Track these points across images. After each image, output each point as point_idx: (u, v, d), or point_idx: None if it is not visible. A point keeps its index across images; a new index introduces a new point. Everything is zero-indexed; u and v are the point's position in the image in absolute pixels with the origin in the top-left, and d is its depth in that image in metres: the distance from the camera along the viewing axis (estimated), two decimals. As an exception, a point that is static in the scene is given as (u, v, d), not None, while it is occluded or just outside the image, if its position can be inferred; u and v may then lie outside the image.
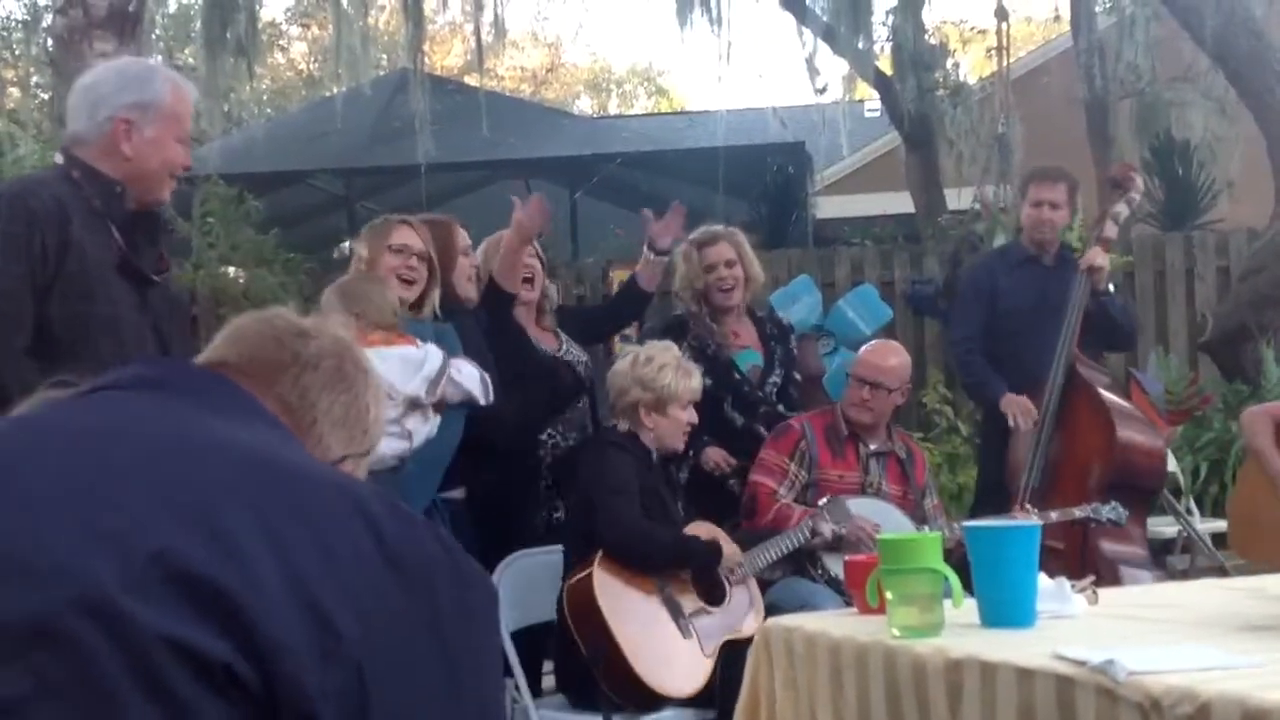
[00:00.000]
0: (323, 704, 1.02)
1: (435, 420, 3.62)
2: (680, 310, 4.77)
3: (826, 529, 4.00)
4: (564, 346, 4.41)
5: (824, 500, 4.08)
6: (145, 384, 1.26)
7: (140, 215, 2.93)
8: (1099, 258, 4.78)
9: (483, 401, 3.75)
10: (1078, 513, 4.27)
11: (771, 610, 3.64)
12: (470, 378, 3.74)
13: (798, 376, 4.83)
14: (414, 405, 3.56)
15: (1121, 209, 4.91)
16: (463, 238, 4.12)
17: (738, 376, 4.56)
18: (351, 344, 1.44)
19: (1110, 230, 4.88)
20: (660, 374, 3.86)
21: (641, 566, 3.66)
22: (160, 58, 11.44)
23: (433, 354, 3.65)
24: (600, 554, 3.61)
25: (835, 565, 3.94)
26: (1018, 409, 4.74)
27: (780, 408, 4.56)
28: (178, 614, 1.00)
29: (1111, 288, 4.89)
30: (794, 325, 5.05)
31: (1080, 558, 4.34)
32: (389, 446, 3.47)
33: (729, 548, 3.79)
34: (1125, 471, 4.54)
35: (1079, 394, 4.67)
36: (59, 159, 2.94)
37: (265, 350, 1.35)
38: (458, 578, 1.14)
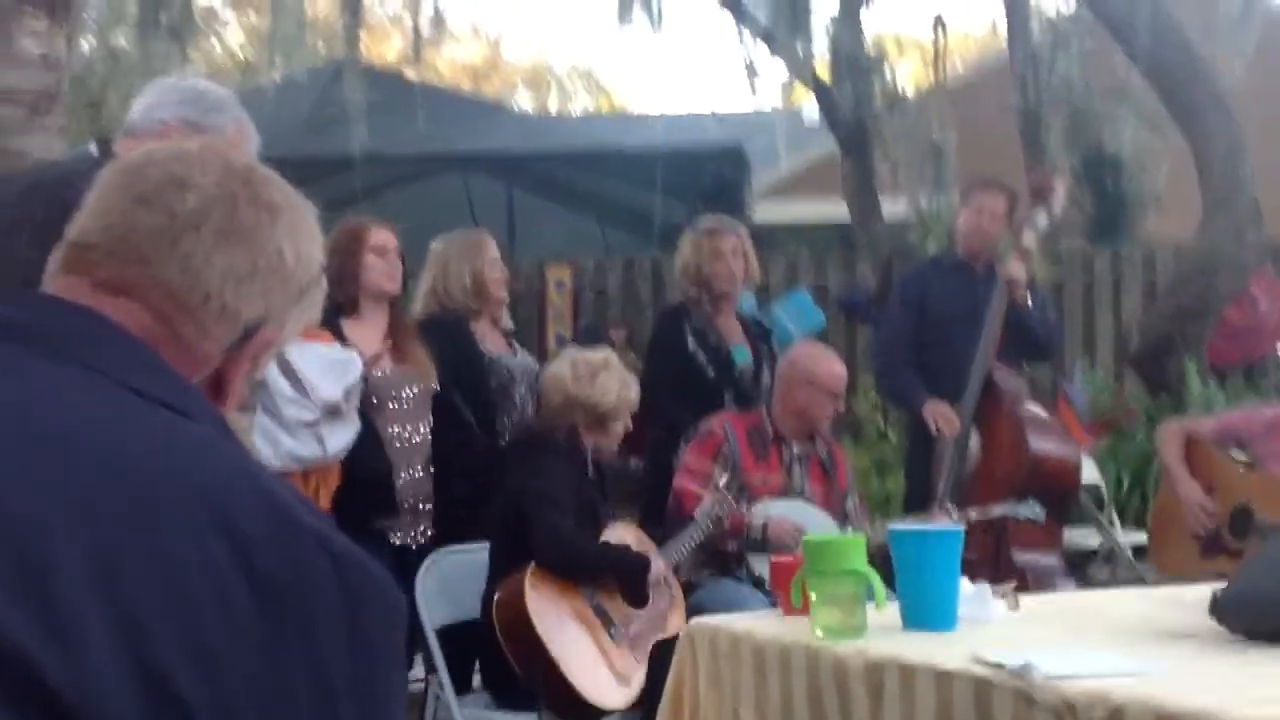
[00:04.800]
0: None
1: (354, 428, 3.49)
2: (679, 299, 4.80)
3: (724, 512, 3.93)
4: (517, 351, 4.42)
5: (723, 480, 4.04)
6: (2, 331, 1.04)
7: None
8: (1017, 270, 4.81)
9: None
10: (996, 510, 4.32)
11: (697, 611, 3.64)
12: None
13: None
14: (333, 412, 3.43)
15: (1041, 218, 4.95)
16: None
17: (736, 372, 4.59)
18: (245, 175, 1.16)
19: (1028, 239, 4.92)
20: (604, 396, 3.76)
21: (573, 580, 3.62)
22: (93, 39, 11.25)
23: (355, 360, 3.54)
24: (531, 569, 3.55)
25: (760, 566, 3.96)
26: (938, 417, 4.78)
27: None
28: None
29: (1029, 300, 4.92)
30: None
31: (994, 566, 4.39)
32: (303, 449, 3.37)
33: (656, 562, 3.77)
34: (1039, 481, 4.60)
35: (995, 403, 4.73)
36: (93, 149, 2.77)
37: (135, 220, 1.11)
38: (348, 597, 0.96)
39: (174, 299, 1.10)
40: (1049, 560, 4.62)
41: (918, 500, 4.92)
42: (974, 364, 4.70)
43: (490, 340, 4.33)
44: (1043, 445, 4.69)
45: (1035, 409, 4.92)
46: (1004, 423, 4.71)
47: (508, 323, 4.48)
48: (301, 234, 1.18)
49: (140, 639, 0.86)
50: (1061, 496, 4.81)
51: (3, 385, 0.98)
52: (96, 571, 0.86)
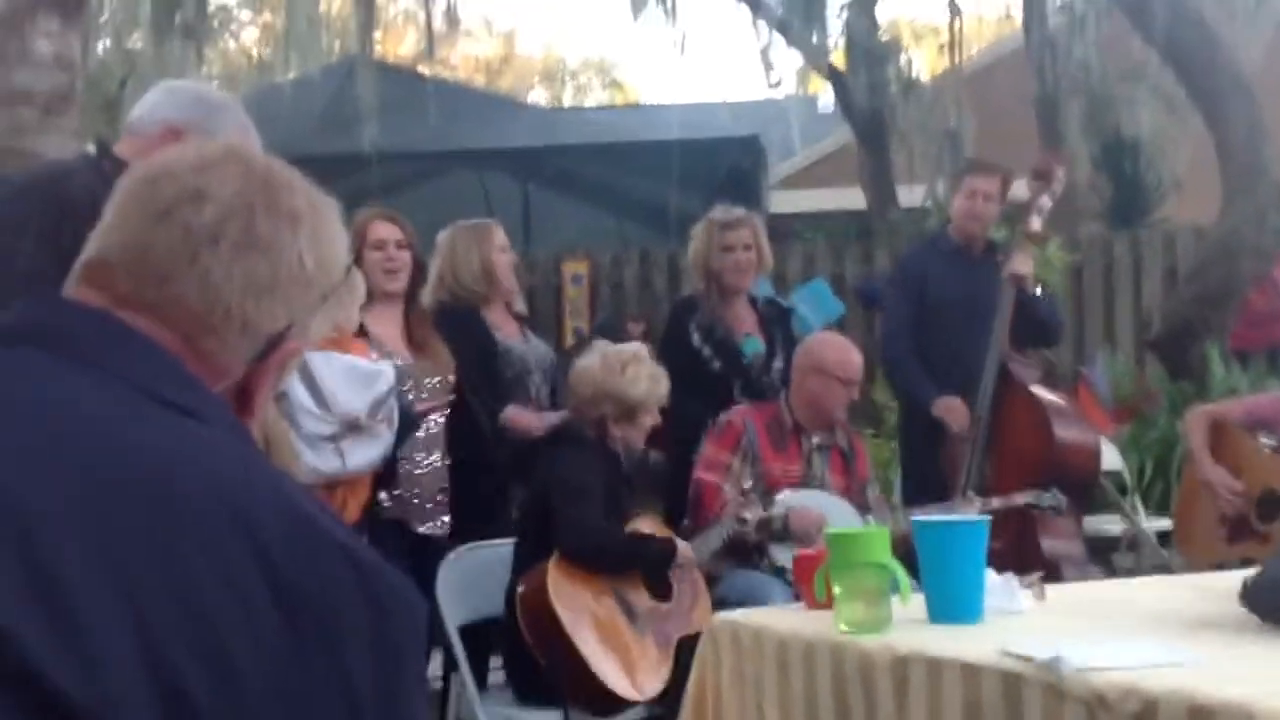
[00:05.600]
0: None
1: (381, 444, 3.44)
2: (690, 291, 4.82)
3: (750, 513, 3.95)
4: (529, 339, 4.42)
5: (748, 483, 4.05)
6: (21, 333, 1.03)
7: None
8: (1022, 265, 4.77)
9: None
10: (1019, 499, 4.29)
11: (720, 603, 3.63)
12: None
13: None
14: (353, 426, 3.37)
15: (1045, 201, 4.90)
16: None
17: (745, 363, 4.58)
18: (265, 181, 1.12)
19: (1035, 224, 4.88)
20: (633, 388, 3.77)
21: (599, 570, 3.61)
22: (108, 40, 11.27)
23: (386, 373, 3.50)
24: (554, 559, 3.54)
25: (782, 556, 3.94)
26: (950, 415, 4.74)
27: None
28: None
29: (1038, 290, 4.89)
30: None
31: (1020, 555, 4.35)
32: (321, 462, 3.31)
33: (682, 546, 3.77)
34: (1061, 469, 4.57)
35: (1013, 393, 4.69)
36: (91, 149, 2.80)
37: (152, 237, 1.08)
38: (372, 610, 0.95)
39: (193, 315, 1.08)
40: (1074, 548, 4.59)
41: (919, 496, 4.85)
42: (988, 354, 4.67)
43: (504, 327, 4.34)
44: (1066, 433, 4.65)
45: (1053, 395, 4.88)
46: (1024, 411, 4.67)
47: (521, 307, 4.48)
48: (323, 239, 1.14)
49: (157, 651, 0.85)
50: (1082, 484, 4.78)
51: (25, 388, 0.97)
52: (113, 580, 0.85)
